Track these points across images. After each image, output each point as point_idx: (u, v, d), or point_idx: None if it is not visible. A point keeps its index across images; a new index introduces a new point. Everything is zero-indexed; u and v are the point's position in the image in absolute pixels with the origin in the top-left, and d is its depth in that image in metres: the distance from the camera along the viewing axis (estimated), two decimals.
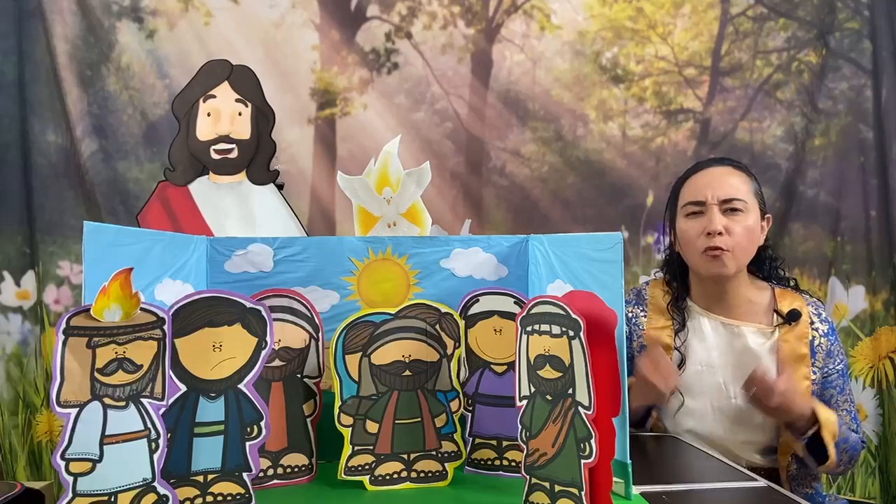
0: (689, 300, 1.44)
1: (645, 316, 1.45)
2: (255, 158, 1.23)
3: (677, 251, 1.43)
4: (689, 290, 1.44)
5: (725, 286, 1.38)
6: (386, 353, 0.94)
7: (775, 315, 1.38)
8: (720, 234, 1.32)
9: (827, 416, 1.27)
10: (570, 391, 0.75)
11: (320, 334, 0.97)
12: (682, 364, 1.37)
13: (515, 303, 0.97)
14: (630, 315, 1.46)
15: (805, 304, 1.39)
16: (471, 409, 0.98)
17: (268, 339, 0.84)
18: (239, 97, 1.23)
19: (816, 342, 1.36)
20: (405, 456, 0.93)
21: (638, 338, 1.44)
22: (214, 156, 1.22)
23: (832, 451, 1.25)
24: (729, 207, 1.34)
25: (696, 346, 1.38)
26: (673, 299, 1.43)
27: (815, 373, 1.34)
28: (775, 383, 1.23)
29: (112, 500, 0.70)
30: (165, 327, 0.74)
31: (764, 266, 1.44)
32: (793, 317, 1.36)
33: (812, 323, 1.37)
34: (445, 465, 0.94)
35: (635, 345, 1.44)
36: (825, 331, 1.37)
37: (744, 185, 1.36)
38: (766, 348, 1.35)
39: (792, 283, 1.45)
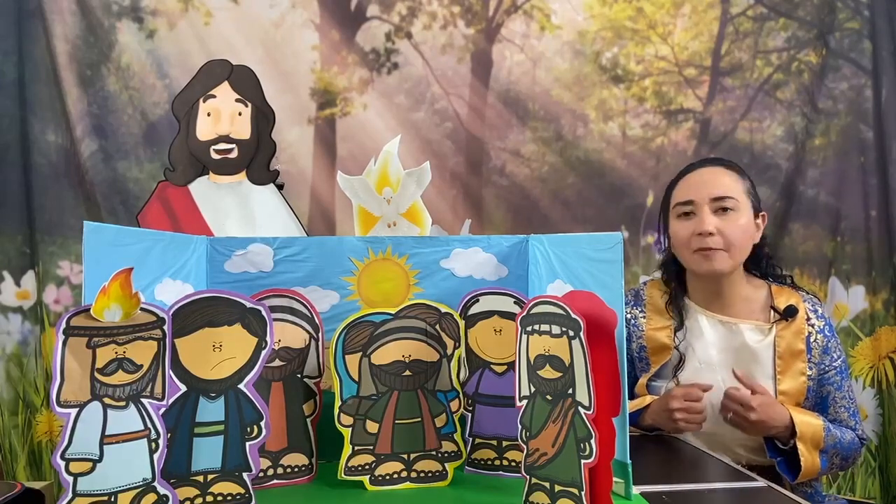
0: (686, 299, 1.44)
1: (644, 317, 1.45)
2: (255, 158, 1.23)
3: (672, 253, 1.43)
4: (686, 289, 1.45)
5: (722, 284, 1.38)
6: (386, 353, 0.94)
7: (772, 311, 1.38)
8: (711, 234, 1.32)
9: (805, 425, 1.28)
10: (570, 391, 0.75)
11: (320, 334, 0.97)
12: (681, 363, 1.37)
13: (515, 303, 0.97)
14: (629, 316, 1.46)
15: (801, 301, 1.40)
16: (471, 409, 0.98)
17: (268, 339, 0.84)
18: (239, 97, 1.23)
19: (812, 338, 1.36)
20: (405, 456, 0.93)
21: (637, 339, 1.44)
22: (214, 156, 1.22)
23: (808, 460, 1.26)
24: (720, 206, 1.34)
25: (695, 345, 1.39)
26: (671, 298, 1.43)
27: (811, 368, 1.35)
28: (750, 399, 1.24)
29: (112, 500, 0.70)
30: (165, 327, 0.74)
31: (760, 264, 1.44)
32: (789, 313, 1.36)
33: (808, 319, 1.38)
34: (445, 465, 0.94)
35: (634, 346, 1.44)
36: (821, 327, 1.38)
37: (735, 184, 1.36)
38: (764, 345, 1.36)
39: (788, 281, 1.46)
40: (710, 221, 1.33)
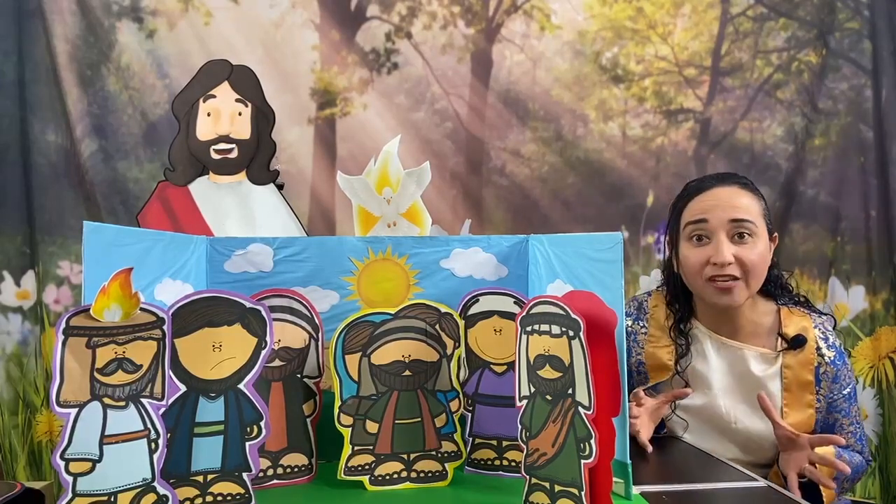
0: (693, 320, 1.37)
1: (645, 332, 1.39)
2: (255, 158, 1.24)
3: (677, 272, 1.36)
4: (692, 310, 1.38)
5: (731, 310, 1.31)
6: (386, 353, 0.94)
7: (779, 339, 1.32)
8: (730, 263, 1.24)
9: (821, 459, 1.23)
10: (570, 391, 0.75)
11: (320, 334, 0.98)
12: (685, 388, 1.31)
13: (515, 303, 0.97)
14: (630, 330, 1.40)
15: (812, 326, 1.32)
16: (471, 409, 0.98)
17: (268, 339, 0.84)
18: (239, 97, 1.23)
19: (822, 370, 1.30)
20: (405, 456, 0.93)
21: (637, 354, 1.38)
22: (214, 156, 1.22)
23: (828, 494, 1.20)
24: (737, 232, 1.25)
25: (699, 369, 1.34)
26: (676, 322, 1.36)
27: (819, 401, 1.29)
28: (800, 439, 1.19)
29: (112, 500, 0.70)
30: (165, 327, 0.74)
31: (769, 285, 1.35)
32: (798, 343, 1.30)
33: (818, 349, 1.30)
34: (445, 465, 0.94)
35: (633, 361, 1.38)
36: (832, 358, 1.30)
37: (753, 206, 1.27)
38: (770, 375, 1.30)
39: (801, 299, 1.38)
40: (727, 249, 1.23)
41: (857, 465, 1.30)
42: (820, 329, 1.33)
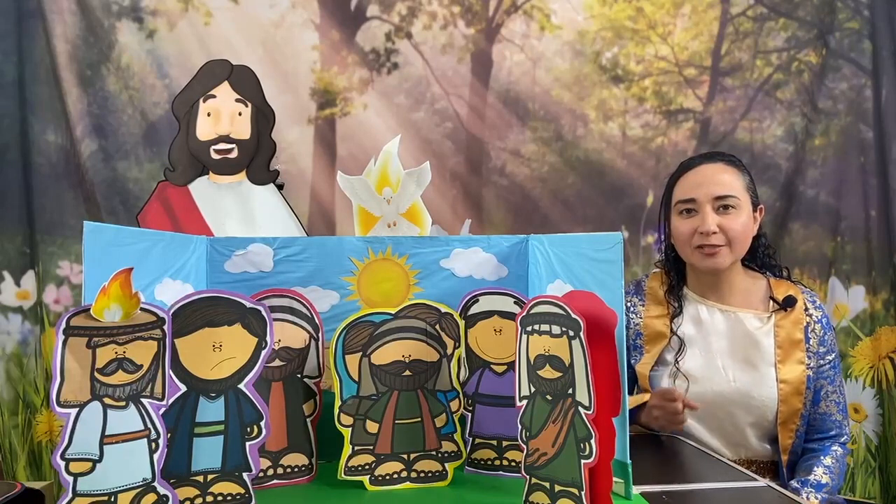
0: (686, 288, 1.46)
1: (643, 305, 1.47)
2: (255, 158, 1.24)
3: (672, 243, 1.45)
4: (685, 279, 1.47)
5: (721, 276, 1.41)
6: (386, 353, 0.94)
7: (771, 302, 1.40)
8: (714, 233, 1.34)
9: None
10: (570, 391, 0.75)
11: (320, 334, 0.98)
12: (681, 349, 1.39)
13: (515, 303, 0.97)
14: (627, 304, 1.48)
15: (800, 293, 1.42)
16: (471, 409, 0.98)
17: (268, 339, 0.84)
18: (239, 97, 1.23)
19: (811, 328, 1.39)
20: (405, 456, 0.93)
21: (634, 326, 1.46)
22: (214, 156, 1.22)
23: None
24: (721, 205, 1.36)
25: (694, 333, 1.40)
26: (670, 286, 1.45)
27: (809, 358, 1.37)
28: None
29: (112, 500, 0.70)
30: (165, 327, 0.74)
31: (757, 256, 1.46)
32: (788, 302, 1.39)
33: (806, 309, 1.40)
34: (445, 465, 0.94)
35: (631, 332, 1.46)
36: (819, 317, 1.40)
37: (736, 181, 1.38)
38: (764, 332, 1.38)
39: (785, 274, 1.48)
40: (712, 220, 1.35)
41: (839, 471, 1.35)
42: (808, 294, 1.44)
